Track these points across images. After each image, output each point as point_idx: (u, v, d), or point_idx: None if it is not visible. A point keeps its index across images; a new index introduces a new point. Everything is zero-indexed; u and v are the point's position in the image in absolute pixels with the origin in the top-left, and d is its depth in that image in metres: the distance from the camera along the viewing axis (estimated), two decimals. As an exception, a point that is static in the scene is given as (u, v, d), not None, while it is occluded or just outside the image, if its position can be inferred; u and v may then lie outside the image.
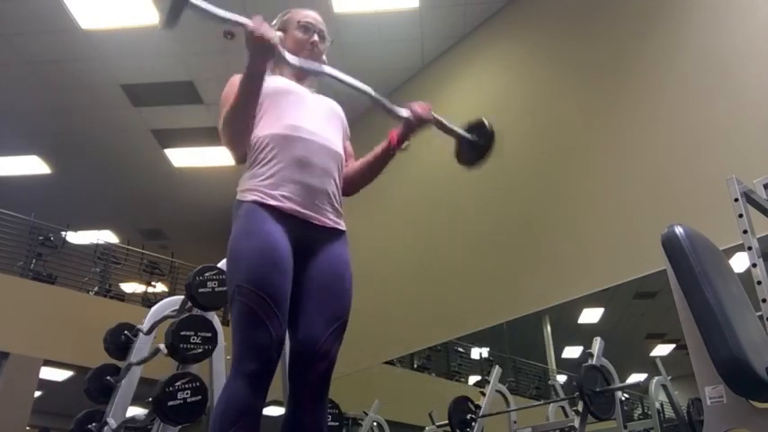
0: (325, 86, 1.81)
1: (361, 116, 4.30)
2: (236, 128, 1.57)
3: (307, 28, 1.75)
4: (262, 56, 1.47)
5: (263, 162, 1.56)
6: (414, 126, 1.70)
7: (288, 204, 1.52)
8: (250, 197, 1.52)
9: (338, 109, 1.78)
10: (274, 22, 1.81)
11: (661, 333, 4.36)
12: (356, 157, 1.83)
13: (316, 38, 1.75)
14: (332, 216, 1.60)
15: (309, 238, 1.55)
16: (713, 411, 1.53)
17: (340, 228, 1.62)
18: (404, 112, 1.72)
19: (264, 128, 1.60)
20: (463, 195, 5.02)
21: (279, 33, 1.64)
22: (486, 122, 1.82)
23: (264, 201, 1.51)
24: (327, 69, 1.68)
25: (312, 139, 1.59)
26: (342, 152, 1.69)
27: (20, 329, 6.05)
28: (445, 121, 1.78)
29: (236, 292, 1.43)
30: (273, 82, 1.66)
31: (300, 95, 1.68)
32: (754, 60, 3.38)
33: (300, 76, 1.76)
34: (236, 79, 1.61)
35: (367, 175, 1.77)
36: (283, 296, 1.44)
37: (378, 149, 1.74)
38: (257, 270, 1.42)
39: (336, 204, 1.62)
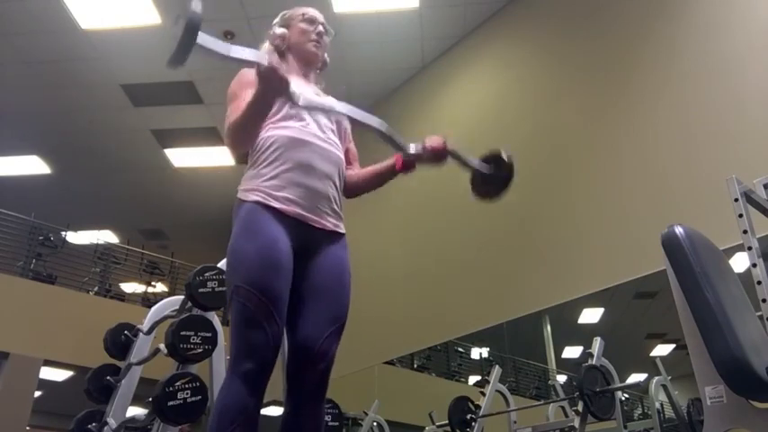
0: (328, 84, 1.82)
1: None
2: (241, 138, 1.56)
3: (311, 21, 1.79)
4: (275, 94, 1.45)
5: (266, 162, 1.56)
6: (426, 161, 1.69)
7: (291, 207, 1.52)
8: (252, 197, 1.52)
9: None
10: (276, 20, 1.83)
11: (661, 333, 4.35)
12: (360, 159, 1.84)
13: (321, 29, 1.79)
14: (332, 219, 1.61)
15: (310, 240, 1.56)
16: (713, 411, 1.53)
17: (340, 231, 1.63)
18: (415, 149, 1.67)
19: (269, 128, 1.60)
20: (463, 195, 5.01)
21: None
22: (504, 154, 1.74)
23: (267, 202, 1.51)
24: (338, 107, 1.62)
25: (315, 143, 1.60)
26: (343, 156, 1.70)
27: (20, 329, 6.05)
28: (461, 154, 1.71)
29: (234, 292, 1.43)
30: None
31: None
32: (754, 60, 3.38)
33: (307, 73, 1.78)
34: (245, 74, 1.61)
35: (371, 185, 1.79)
36: (282, 298, 1.44)
37: (383, 166, 1.75)
38: (256, 272, 1.42)
39: (337, 208, 1.63)
